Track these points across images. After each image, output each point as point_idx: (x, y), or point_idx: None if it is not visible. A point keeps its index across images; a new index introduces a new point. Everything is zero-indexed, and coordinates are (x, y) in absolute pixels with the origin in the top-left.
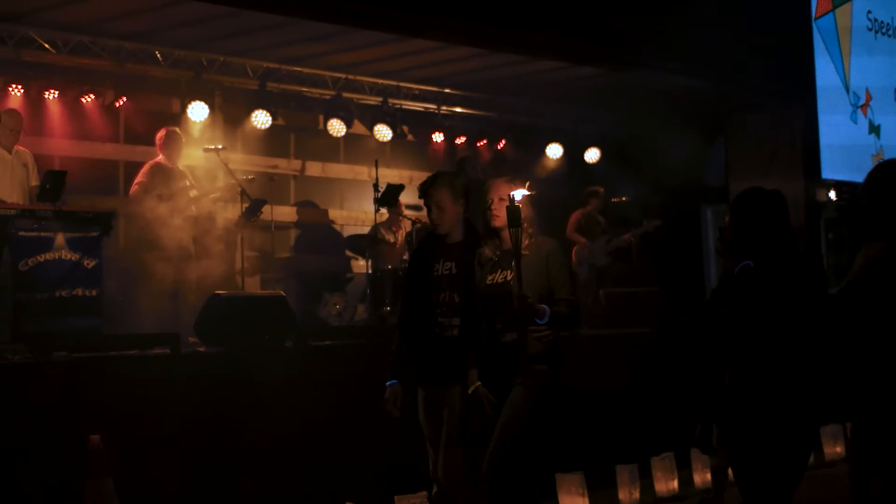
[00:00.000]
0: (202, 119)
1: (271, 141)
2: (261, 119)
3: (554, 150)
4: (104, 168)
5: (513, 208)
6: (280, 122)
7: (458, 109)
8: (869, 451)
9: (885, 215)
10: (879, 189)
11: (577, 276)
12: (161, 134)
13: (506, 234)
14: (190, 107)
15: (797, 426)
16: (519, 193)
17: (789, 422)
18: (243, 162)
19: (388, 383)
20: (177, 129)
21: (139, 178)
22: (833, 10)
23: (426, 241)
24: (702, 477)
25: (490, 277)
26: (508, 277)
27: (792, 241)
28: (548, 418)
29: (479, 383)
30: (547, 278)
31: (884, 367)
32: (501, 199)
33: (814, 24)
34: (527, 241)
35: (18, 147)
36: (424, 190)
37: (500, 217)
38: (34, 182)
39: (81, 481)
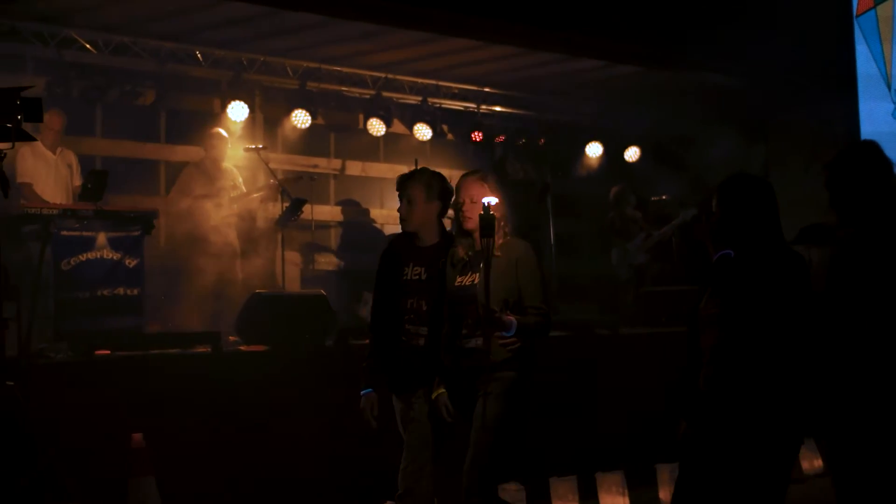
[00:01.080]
0: (242, 119)
1: (311, 140)
2: (301, 118)
3: (594, 149)
4: (145, 168)
5: (486, 217)
6: (320, 121)
7: (498, 108)
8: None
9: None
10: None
11: (616, 276)
12: (207, 134)
13: (478, 235)
14: (230, 106)
15: (780, 437)
16: (493, 200)
17: (771, 431)
18: (283, 161)
19: (362, 392)
20: (222, 130)
21: (182, 177)
22: (874, 7)
23: (397, 240)
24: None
25: (459, 279)
26: (476, 280)
27: (778, 232)
28: (520, 425)
29: (442, 391)
30: (517, 284)
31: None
32: (473, 201)
33: (855, 22)
34: (499, 241)
35: (62, 147)
36: (401, 183)
37: (472, 219)
38: (77, 182)
39: (124, 480)
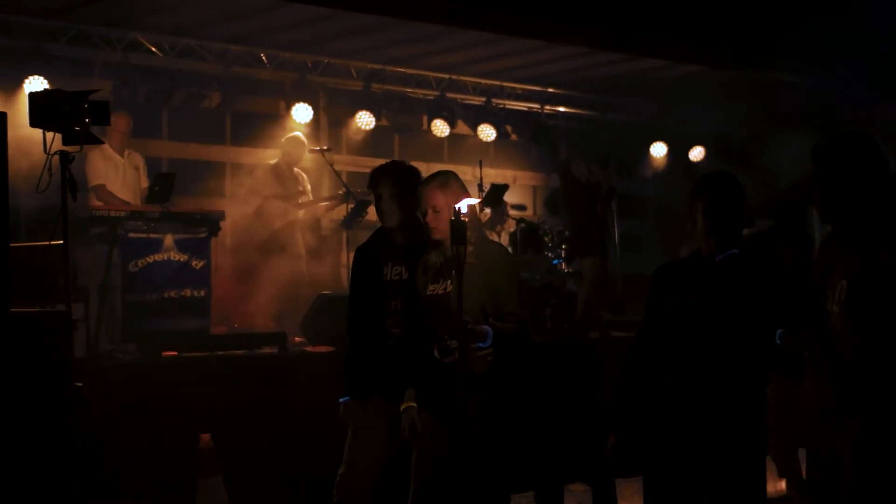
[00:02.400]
0: (307, 121)
1: (375, 142)
2: (365, 120)
3: (658, 149)
4: (211, 170)
5: (457, 223)
6: (384, 122)
7: (562, 109)
8: None
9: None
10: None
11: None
12: (286, 138)
13: (449, 244)
14: (294, 108)
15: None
16: (465, 204)
17: (755, 444)
18: (348, 163)
19: (340, 400)
20: (300, 134)
21: (253, 179)
22: None
23: (373, 239)
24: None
25: (431, 287)
26: (448, 289)
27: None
28: (505, 440)
29: (412, 404)
30: (492, 290)
31: None
32: (436, 210)
33: None
34: (469, 248)
35: (129, 150)
36: (374, 177)
37: (437, 230)
38: (145, 184)
39: (192, 480)
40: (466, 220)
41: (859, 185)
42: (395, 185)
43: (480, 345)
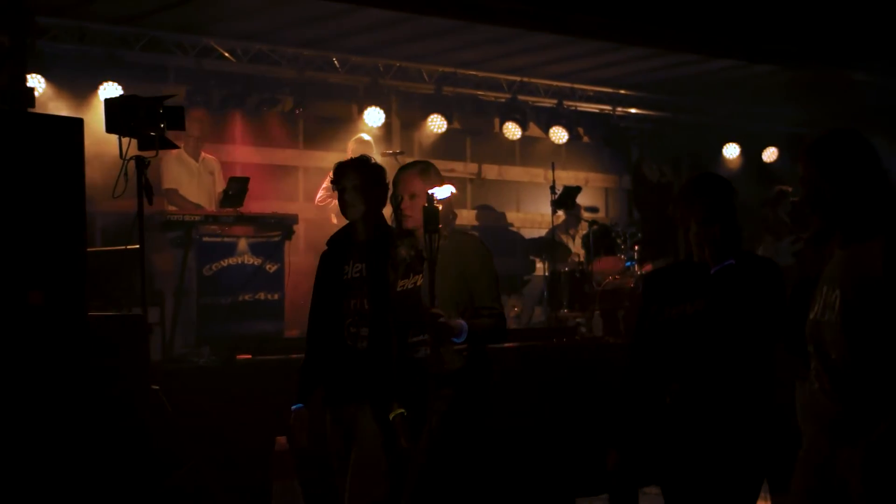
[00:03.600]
0: (379, 124)
1: (447, 145)
2: (437, 123)
3: (731, 150)
4: (284, 174)
5: (430, 209)
6: (456, 125)
7: (633, 110)
8: None
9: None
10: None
11: None
12: (352, 141)
13: (421, 233)
14: (367, 112)
15: (764, 461)
16: (442, 192)
17: (758, 454)
18: None
19: (293, 407)
20: (367, 137)
21: (325, 182)
22: None
23: (335, 239)
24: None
25: (401, 283)
26: (419, 283)
27: None
28: (477, 443)
29: (401, 411)
30: (466, 284)
31: None
32: (413, 196)
33: None
34: (443, 241)
35: (204, 154)
36: (340, 170)
37: (412, 217)
38: (220, 188)
39: (267, 483)
40: (440, 207)
41: (852, 184)
42: (360, 178)
43: (455, 340)
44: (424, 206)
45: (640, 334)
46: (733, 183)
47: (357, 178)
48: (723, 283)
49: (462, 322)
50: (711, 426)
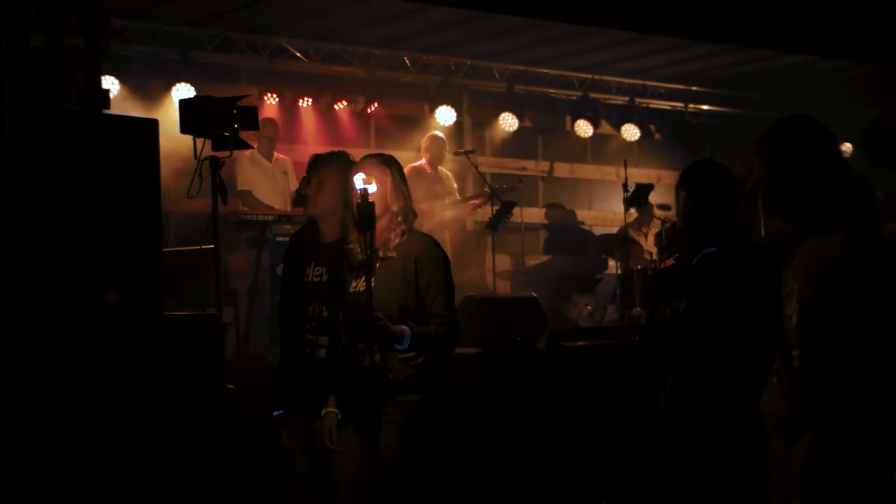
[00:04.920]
0: (450, 123)
1: (519, 143)
2: (508, 121)
3: None
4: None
5: (363, 206)
6: (527, 123)
7: (705, 107)
8: None
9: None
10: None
11: None
12: (425, 138)
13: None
14: (438, 111)
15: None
16: (372, 186)
17: (752, 462)
18: (492, 165)
19: (274, 413)
20: (440, 134)
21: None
22: None
23: (299, 235)
24: None
25: (354, 283)
26: (373, 284)
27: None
28: (425, 458)
29: (332, 409)
30: (416, 288)
31: None
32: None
33: None
34: (396, 241)
35: (278, 154)
36: (314, 162)
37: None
38: (293, 188)
39: None
40: (374, 202)
41: (812, 174)
42: (340, 176)
43: (398, 347)
44: (358, 203)
45: (645, 335)
46: None
47: (330, 174)
48: (706, 275)
49: (405, 328)
50: (703, 436)
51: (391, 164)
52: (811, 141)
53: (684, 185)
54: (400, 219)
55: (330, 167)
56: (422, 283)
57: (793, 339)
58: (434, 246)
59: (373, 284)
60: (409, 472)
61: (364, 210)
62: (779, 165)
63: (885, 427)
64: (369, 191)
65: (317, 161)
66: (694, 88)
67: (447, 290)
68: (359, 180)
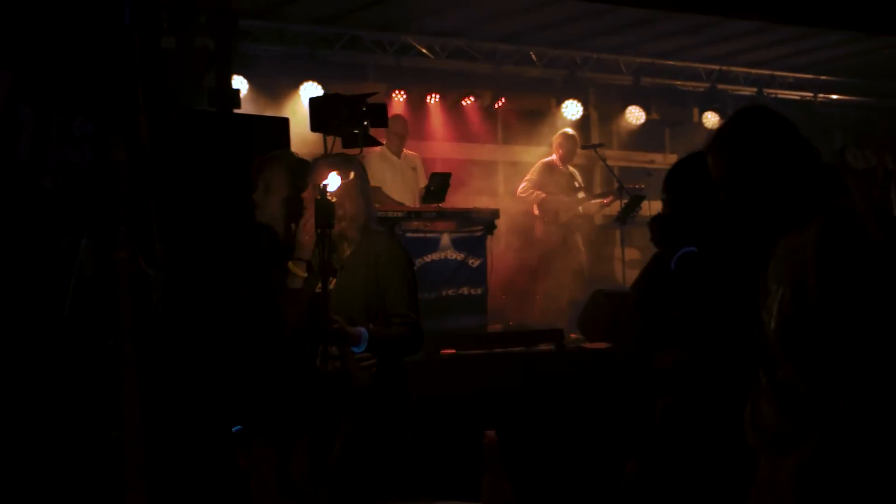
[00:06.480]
0: (577, 117)
1: (646, 136)
2: (635, 115)
3: None
4: (483, 168)
5: (322, 203)
6: (654, 116)
7: (835, 96)
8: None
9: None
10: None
11: None
12: (557, 135)
13: (341, 227)
14: (565, 105)
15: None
16: (333, 183)
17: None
18: (619, 158)
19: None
20: (572, 132)
21: (529, 175)
22: None
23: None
24: None
25: (319, 284)
26: (333, 285)
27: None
28: (388, 468)
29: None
30: (377, 289)
31: None
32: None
33: None
34: (357, 241)
35: (406, 151)
36: (259, 165)
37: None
38: (422, 184)
39: (474, 477)
40: (334, 200)
41: (777, 165)
42: (288, 177)
43: (354, 350)
44: (317, 199)
45: (642, 341)
46: None
47: (276, 177)
48: (687, 276)
49: (361, 329)
50: (700, 448)
51: (353, 165)
52: (771, 130)
53: (666, 181)
54: (361, 218)
55: (275, 169)
56: (383, 282)
57: (774, 344)
58: (395, 247)
59: (335, 285)
60: (351, 484)
61: (323, 207)
62: (740, 161)
63: (881, 435)
64: (330, 187)
65: (261, 165)
66: (823, 78)
67: (408, 289)
68: (334, 179)
